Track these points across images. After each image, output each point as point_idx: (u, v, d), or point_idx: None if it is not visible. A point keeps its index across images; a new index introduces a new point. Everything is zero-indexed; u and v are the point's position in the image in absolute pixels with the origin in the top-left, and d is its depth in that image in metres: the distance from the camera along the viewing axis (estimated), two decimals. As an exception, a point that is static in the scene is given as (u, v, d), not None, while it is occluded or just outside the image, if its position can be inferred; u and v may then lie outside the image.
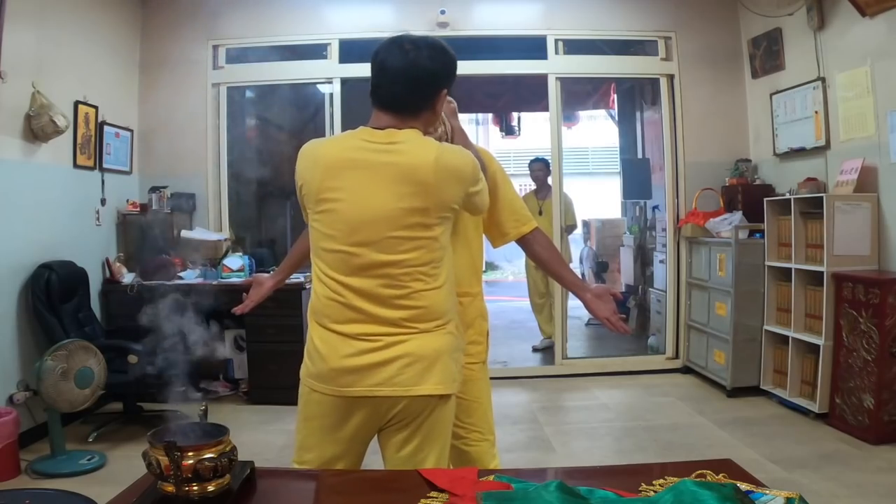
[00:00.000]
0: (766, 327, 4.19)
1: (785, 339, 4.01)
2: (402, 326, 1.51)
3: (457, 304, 1.66)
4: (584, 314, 6.58)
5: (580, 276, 7.93)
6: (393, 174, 1.48)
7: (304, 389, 1.60)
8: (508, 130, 8.04)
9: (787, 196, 4.03)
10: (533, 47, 4.95)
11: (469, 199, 1.58)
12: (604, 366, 5.00)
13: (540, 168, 5.67)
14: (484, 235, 2.02)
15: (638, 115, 6.60)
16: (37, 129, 3.55)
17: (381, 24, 4.81)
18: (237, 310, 2.00)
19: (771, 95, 4.57)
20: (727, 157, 4.88)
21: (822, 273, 3.69)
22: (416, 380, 1.50)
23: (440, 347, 1.54)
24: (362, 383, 1.50)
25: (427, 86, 1.54)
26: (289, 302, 4.07)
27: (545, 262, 1.95)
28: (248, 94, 5.60)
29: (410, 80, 1.52)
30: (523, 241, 1.95)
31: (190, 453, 1.11)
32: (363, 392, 1.50)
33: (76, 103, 4.00)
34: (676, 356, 5.00)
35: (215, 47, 4.87)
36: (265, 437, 3.54)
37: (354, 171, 1.50)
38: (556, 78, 4.92)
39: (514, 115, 7.88)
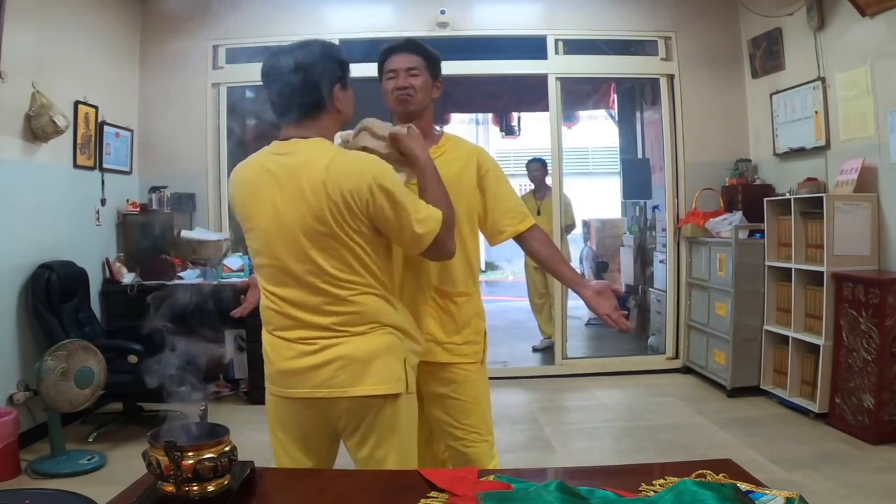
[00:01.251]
0: (766, 327, 4.19)
1: (785, 339, 4.01)
2: (334, 331, 1.53)
3: (401, 306, 1.65)
4: (584, 314, 6.58)
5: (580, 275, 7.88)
6: (295, 184, 1.49)
7: (266, 391, 1.68)
8: (508, 130, 8.03)
9: (787, 196, 4.03)
10: (533, 47, 4.95)
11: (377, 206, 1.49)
12: (604, 366, 5.00)
13: (537, 168, 5.67)
14: (481, 234, 2.01)
15: (638, 115, 6.60)
16: (37, 129, 3.55)
17: (381, 24, 4.82)
18: (235, 313, 2.00)
19: (771, 95, 4.57)
20: (727, 157, 4.87)
21: (822, 273, 3.69)
22: (352, 381, 1.53)
23: (376, 349, 1.55)
24: (304, 385, 1.55)
25: (311, 87, 1.53)
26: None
27: (544, 259, 1.94)
28: (248, 94, 5.59)
29: (292, 86, 1.51)
30: (521, 239, 1.95)
31: (190, 453, 1.11)
32: (306, 394, 1.55)
33: (76, 103, 4.00)
34: (676, 356, 5.00)
35: (215, 47, 4.87)
36: (265, 437, 3.50)
37: (265, 186, 1.53)
38: (556, 78, 4.91)
39: (514, 115, 7.87)
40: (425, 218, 1.54)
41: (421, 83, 1.87)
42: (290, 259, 1.52)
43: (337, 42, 1.59)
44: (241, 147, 4.98)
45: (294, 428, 1.63)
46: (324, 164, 1.48)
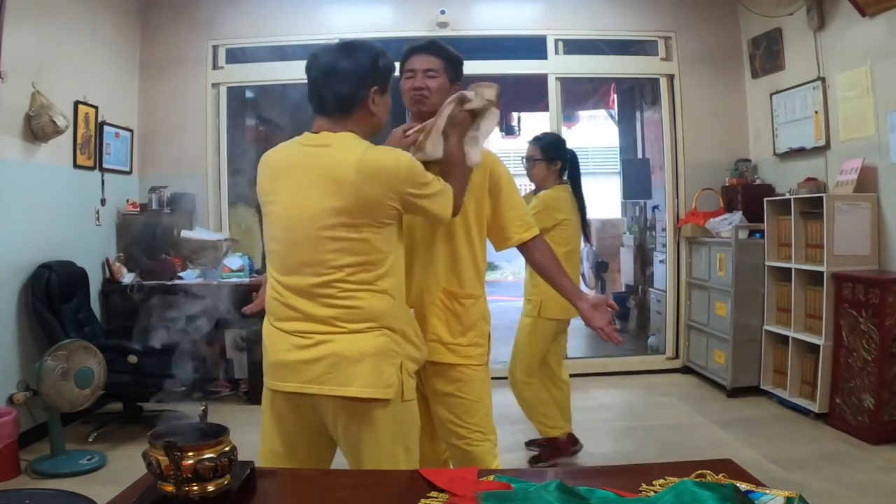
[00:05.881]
0: (766, 327, 4.19)
1: (785, 339, 4.01)
2: (332, 325, 1.54)
3: (405, 309, 1.66)
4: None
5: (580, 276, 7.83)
6: (318, 175, 1.53)
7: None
8: (508, 130, 8.04)
9: (787, 196, 4.03)
10: (533, 47, 4.95)
11: (411, 202, 1.57)
12: (604, 366, 4.99)
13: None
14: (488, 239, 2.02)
15: (638, 115, 6.60)
16: (37, 129, 3.55)
17: (381, 24, 4.82)
18: (247, 309, 2.01)
19: (771, 95, 4.57)
20: (727, 157, 4.87)
21: (822, 273, 3.68)
22: (341, 380, 1.52)
23: (366, 350, 1.54)
24: (294, 379, 1.55)
25: (346, 85, 1.56)
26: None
27: (544, 269, 1.97)
28: (248, 94, 5.59)
29: (329, 82, 1.57)
30: (524, 248, 1.98)
31: (190, 453, 1.11)
32: (296, 388, 1.55)
33: (76, 103, 4.00)
34: (676, 356, 5.00)
35: (215, 47, 4.87)
36: (265, 437, 3.53)
37: (289, 174, 1.58)
38: (556, 78, 4.92)
39: (514, 115, 7.88)
40: (436, 193, 1.62)
41: (437, 85, 1.89)
42: (303, 246, 1.54)
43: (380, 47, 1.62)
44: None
45: (287, 422, 1.62)
46: (354, 156, 1.51)
